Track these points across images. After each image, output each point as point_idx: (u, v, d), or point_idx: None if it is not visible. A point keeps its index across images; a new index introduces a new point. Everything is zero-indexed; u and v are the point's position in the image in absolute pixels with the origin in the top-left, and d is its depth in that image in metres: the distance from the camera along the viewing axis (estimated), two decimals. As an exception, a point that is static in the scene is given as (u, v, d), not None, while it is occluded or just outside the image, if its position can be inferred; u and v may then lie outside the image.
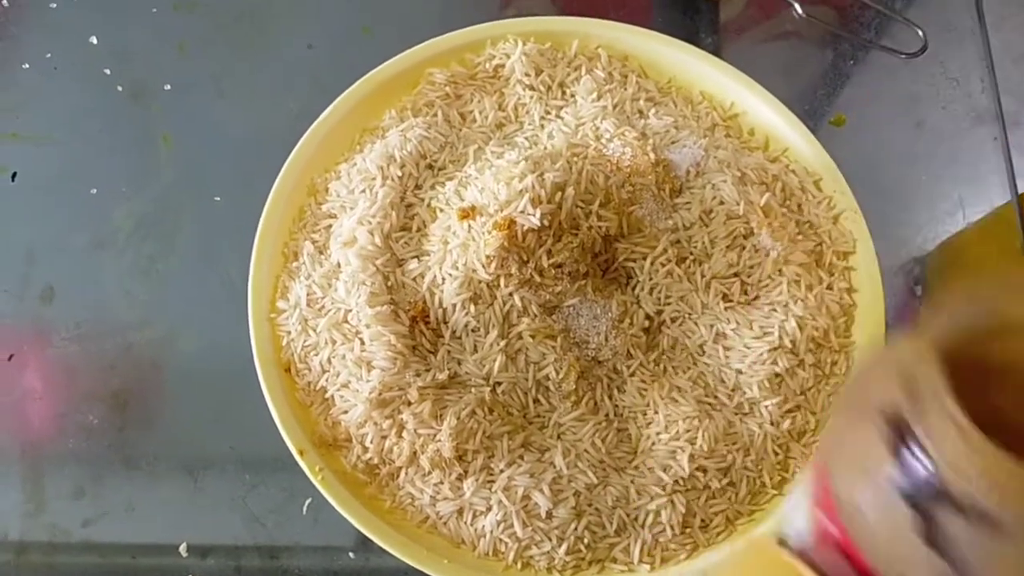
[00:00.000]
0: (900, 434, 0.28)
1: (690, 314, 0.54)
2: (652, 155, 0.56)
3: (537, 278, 0.52)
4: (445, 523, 0.52)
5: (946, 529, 0.27)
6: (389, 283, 0.54)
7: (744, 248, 0.54)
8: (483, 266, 0.52)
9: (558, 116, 0.60)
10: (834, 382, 0.54)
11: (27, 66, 0.69)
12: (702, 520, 0.52)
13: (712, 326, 0.54)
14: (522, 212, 0.51)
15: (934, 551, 0.28)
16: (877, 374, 0.30)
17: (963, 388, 0.26)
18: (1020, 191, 0.66)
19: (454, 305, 0.52)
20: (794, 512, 0.38)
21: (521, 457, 0.51)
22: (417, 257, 0.55)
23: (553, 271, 0.53)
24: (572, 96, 0.61)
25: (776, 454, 0.53)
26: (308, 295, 0.55)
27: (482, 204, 0.53)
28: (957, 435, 0.26)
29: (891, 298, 0.57)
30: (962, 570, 0.27)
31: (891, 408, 0.29)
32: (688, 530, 0.52)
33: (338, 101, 0.59)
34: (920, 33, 0.69)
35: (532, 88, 0.61)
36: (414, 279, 0.54)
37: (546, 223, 0.52)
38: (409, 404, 0.51)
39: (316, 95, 0.60)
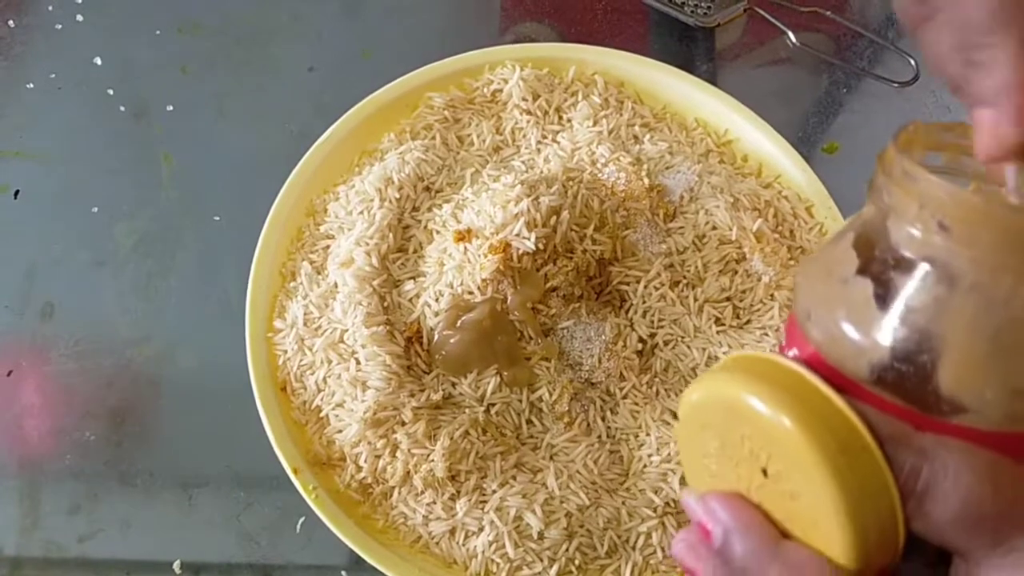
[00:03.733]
0: (870, 242, 0.30)
1: (683, 337, 0.55)
2: (646, 180, 0.56)
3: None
4: (437, 543, 0.52)
5: (899, 290, 0.28)
6: (385, 304, 0.55)
7: (736, 273, 0.55)
8: (479, 289, 0.52)
9: (554, 140, 0.61)
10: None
11: (31, 85, 0.70)
12: (693, 542, 0.52)
13: (704, 349, 0.54)
14: (517, 235, 0.52)
15: (888, 313, 0.28)
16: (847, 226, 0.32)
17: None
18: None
19: (449, 326, 0.53)
20: None
21: (514, 478, 0.52)
22: (413, 278, 0.55)
23: (548, 294, 0.54)
24: (568, 121, 0.62)
25: (767, 477, 0.53)
26: (305, 315, 0.55)
27: (478, 227, 0.54)
28: (925, 185, 0.27)
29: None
30: (922, 329, 0.28)
31: (861, 227, 0.30)
32: (679, 552, 0.52)
33: (338, 123, 0.60)
34: (912, 62, 0.70)
35: (529, 113, 0.62)
36: (410, 300, 0.55)
37: (541, 246, 0.52)
38: (403, 424, 0.51)
39: (316, 117, 0.61)
